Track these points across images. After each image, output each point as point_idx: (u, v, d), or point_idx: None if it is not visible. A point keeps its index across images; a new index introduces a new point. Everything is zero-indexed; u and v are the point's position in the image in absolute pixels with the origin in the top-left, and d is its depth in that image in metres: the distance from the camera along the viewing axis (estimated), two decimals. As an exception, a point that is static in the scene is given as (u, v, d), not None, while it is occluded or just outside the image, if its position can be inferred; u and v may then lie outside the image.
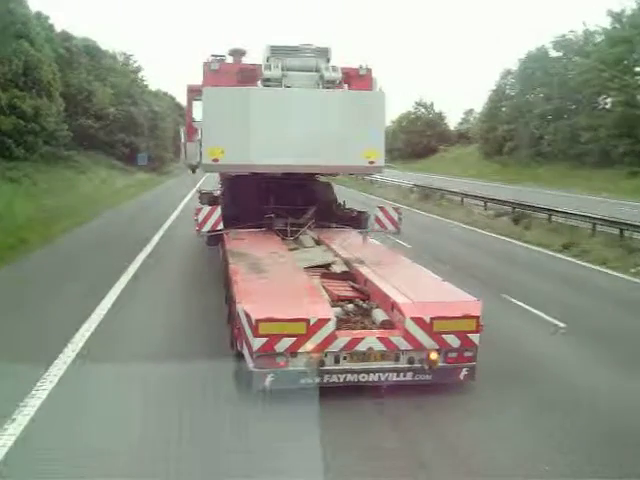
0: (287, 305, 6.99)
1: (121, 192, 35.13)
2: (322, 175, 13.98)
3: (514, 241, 20.10)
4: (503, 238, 20.80)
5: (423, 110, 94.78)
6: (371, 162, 11.56)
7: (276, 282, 8.15)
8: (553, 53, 63.51)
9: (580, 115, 53.16)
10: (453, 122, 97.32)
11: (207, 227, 11.43)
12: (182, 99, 75.87)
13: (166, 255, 15.95)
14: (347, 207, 13.89)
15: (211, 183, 21.25)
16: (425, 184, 39.33)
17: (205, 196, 15.42)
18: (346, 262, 9.76)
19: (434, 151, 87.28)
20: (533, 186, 42.96)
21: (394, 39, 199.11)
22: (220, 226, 11.43)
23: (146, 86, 66.58)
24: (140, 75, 65.95)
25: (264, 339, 6.48)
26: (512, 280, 13.72)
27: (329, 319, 6.69)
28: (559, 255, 17.49)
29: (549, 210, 24.00)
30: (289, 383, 6.60)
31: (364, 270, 8.96)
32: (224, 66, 12.37)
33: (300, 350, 6.55)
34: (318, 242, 11.56)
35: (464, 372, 7.03)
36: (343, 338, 6.74)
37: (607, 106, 52.97)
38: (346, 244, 11.10)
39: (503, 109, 69.79)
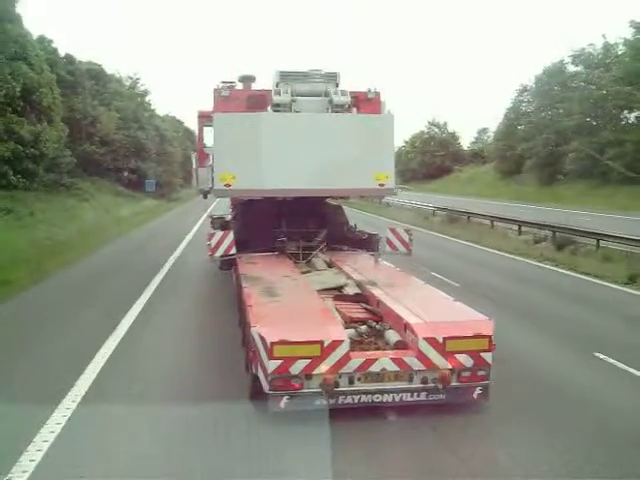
0: (301, 328, 7.06)
1: (127, 220, 33.49)
2: (333, 198, 14.11)
3: (571, 273, 17.55)
4: (555, 269, 18.33)
5: (436, 130, 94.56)
6: (381, 184, 11.67)
7: (290, 305, 8.24)
8: (571, 68, 62.23)
9: (604, 131, 51.48)
10: (466, 141, 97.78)
11: (220, 252, 11.51)
12: (191, 124, 75.95)
13: (179, 284, 15.32)
14: (358, 230, 14.00)
15: (222, 209, 21.02)
16: (445, 206, 37.57)
17: (217, 221, 15.59)
18: (358, 284, 9.84)
19: (448, 171, 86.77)
20: (556, 206, 40.85)
21: (405, 58, 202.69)
22: (233, 250, 11.52)
23: (153, 110, 65.49)
24: (147, 99, 64.85)
25: (279, 361, 6.54)
26: (603, 333, 10.90)
27: (343, 340, 6.75)
28: (630, 290, 15.06)
29: (597, 234, 21.55)
30: (304, 405, 6.65)
31: (376, 292, 9.02)
32: (234, 92, 12.63)
33: (315, 372, 6.60)
34: (330, 265, 11.67)
35: (478, 391, 7.04)
36: (357, 359, 6.79)
37: (630, 121, 52.14)
38: (358, 266, 11.19)
39: (519, 127, 68.42)
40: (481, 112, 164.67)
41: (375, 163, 11.56)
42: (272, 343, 6.53)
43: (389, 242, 12.36)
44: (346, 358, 6.69)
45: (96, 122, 43.77)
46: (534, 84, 67.03)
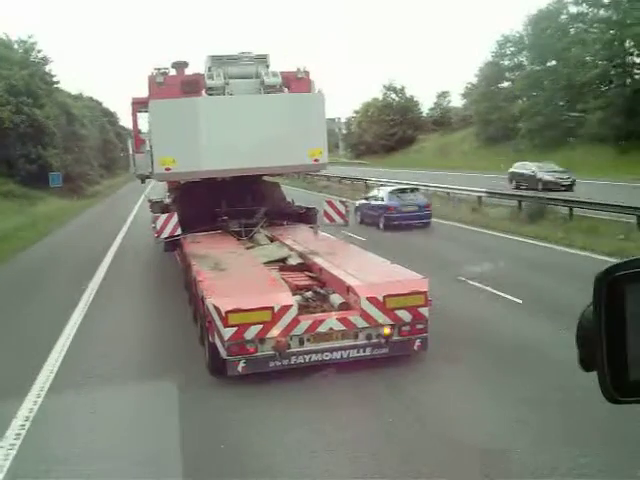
0: (252, 296, 7.59)
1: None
2: (271, 176, 14.57)
3: None
4: None
5: (393, 96, 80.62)
6: (316, 160, 12.17)
7: (239, 277, 8.76)
8: (572, 9, 50.88)
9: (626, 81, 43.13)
10: (424, 107, 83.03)
11: (165, 233, 11.85)
12: (110, 104, 71.45)
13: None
14: (296, 204, 14.52)
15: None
16: (492, 190, 24.78)
17: (157, 205, 15.79)
18: (301, 255, 10.40)
19: (410, 142, 74.72)
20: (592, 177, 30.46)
21: (350, 22, 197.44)
22: (178, 231, 11.87)
23: (56, 83, 48.86)
24: (48, 69, 47.10)
25: (234, 329, 7.07)
26: None
27: (291, 305, 7.33)
28: None
29: None
30: (260, 367, 7.23)
31: (318, 260, 9.62)
32: (168, 78, 12.86)
33: (267, 336, 7.16)
34: (272, 239, 12.17)
35: (417, 343, 7.73)
36: (305, 322, 7.37)
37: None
38: (299, 238, 11.75)
39: (500, 85, 60.11)
40: (437, 74, 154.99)
41: (308, 140, 12.03)
42: (226, 312, 7.06)
43: (326, 214, 12.96)
44: (295, 321, 7.28)
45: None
46: (526, 32, 55.90)
